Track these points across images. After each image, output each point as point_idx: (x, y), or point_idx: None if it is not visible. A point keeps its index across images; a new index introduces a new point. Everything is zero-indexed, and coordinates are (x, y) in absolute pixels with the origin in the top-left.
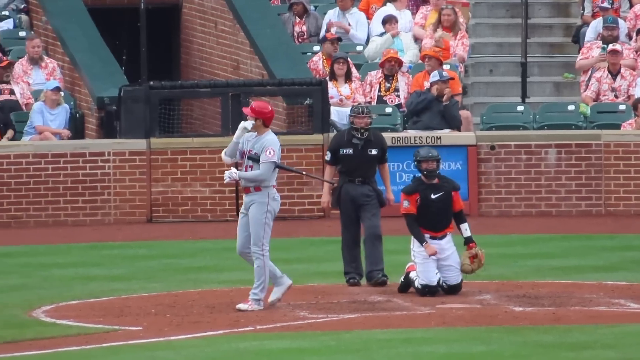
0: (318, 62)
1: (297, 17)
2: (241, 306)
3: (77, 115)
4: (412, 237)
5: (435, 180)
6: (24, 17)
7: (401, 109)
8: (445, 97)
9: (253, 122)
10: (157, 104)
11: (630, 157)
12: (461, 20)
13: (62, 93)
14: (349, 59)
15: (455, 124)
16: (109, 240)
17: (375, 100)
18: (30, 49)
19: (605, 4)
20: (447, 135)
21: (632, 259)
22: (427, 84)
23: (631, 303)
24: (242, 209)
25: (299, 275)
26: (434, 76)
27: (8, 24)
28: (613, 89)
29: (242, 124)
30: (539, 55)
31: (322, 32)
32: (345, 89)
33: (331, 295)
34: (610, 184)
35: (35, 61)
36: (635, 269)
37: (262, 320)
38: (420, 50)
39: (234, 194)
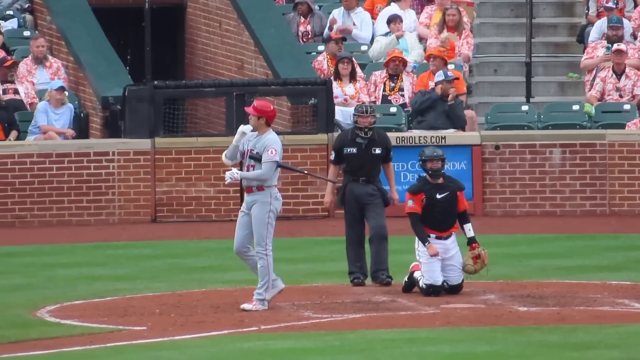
0: (322, 62)
1: (301, 17)
2: (245, 306)
3: (82, 114)
4: (416, 237)
5: (440, 180)
6: (28, 16)
7: (405, 109)
8: (450, 97)
9: (251, 127)
10: (161, 104)
11: (635, 156)
12: (465, 19)
13: (66, 93)
14: (353, 59)
15: (459, 124)
16: (114, 240)
17: (380, 100)
18: (34, 48)
19: (610, 4)
20: (451, 135)
21: (637, 258)
22: (431, 84)
23: (635, 303)
24: (242, 208)
25: (304, 275)
26: (439, 76)
27: (12, 24)
28: (618, 89)
29: (241, 129)
30: (543, 55)
31: (326, 30)
32: (349, 89)
33: (335, 295)
34: (614, 183)
35: (40, 61)
36: None
37: (266, 320)
38: (424, 50)
39: (238, 194)
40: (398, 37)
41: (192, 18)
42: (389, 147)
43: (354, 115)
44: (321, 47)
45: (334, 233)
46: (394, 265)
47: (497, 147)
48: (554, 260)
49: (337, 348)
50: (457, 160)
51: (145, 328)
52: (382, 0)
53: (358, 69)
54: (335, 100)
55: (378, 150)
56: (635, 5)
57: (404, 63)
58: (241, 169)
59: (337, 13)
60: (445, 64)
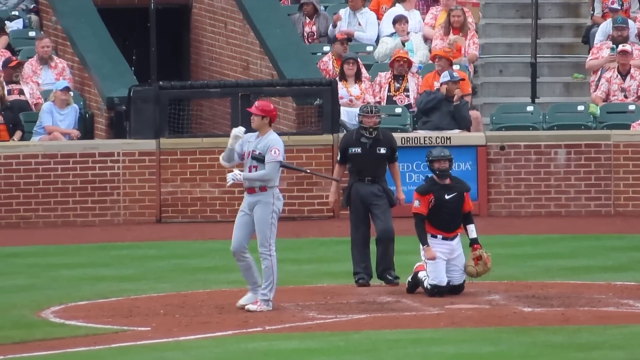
0: (328, 63)
1: (307, 18)
2: (250, 307)
3: (87, 115)
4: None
5: (448, 181)
6: (33, 17)
7: (411, 109)
8: (455, 98)
9: (243, 129)
10: (166, 104)
11: None
12: (470, 20)
13: (71, 93)
14: (358, 60)
15: (465, 125)
16: (118, 240)
17: (385, 101)
18: (39, 48)
19: (615, 5)
20: (456, 136)
21: None
22: (437, 84)
23: None
24: (242, 208)
25: (308, 275)
26: (445, 76)
27: (18, 24)
28: (623, 89)
29: (234, 132)
30: (548, 55)
31: (330, 27)
32: (355, 89)
33: (340, 296)
34: (619, 184)
35: (45, 61)
36: None
37: (271, 321)
38: (430, 50)
39: (243, 195)
40: (403, 42)
41: (198, 19)
42: (394, 146)
43: (359, 115)
44: (326, 48)
45: (339, 234)
46: (398, 266)
47: (502, 148)
48: (558, 261)
49: (342, 348)
50: (462, 160)
51: (149, 329)
52: (388, 0)
53: (363, 70)
54: (341, 101)
55: (383, 150)
56: None
57: (409, 64)
58: (242, 170)
59: (343, 13)
60: (451, 64)
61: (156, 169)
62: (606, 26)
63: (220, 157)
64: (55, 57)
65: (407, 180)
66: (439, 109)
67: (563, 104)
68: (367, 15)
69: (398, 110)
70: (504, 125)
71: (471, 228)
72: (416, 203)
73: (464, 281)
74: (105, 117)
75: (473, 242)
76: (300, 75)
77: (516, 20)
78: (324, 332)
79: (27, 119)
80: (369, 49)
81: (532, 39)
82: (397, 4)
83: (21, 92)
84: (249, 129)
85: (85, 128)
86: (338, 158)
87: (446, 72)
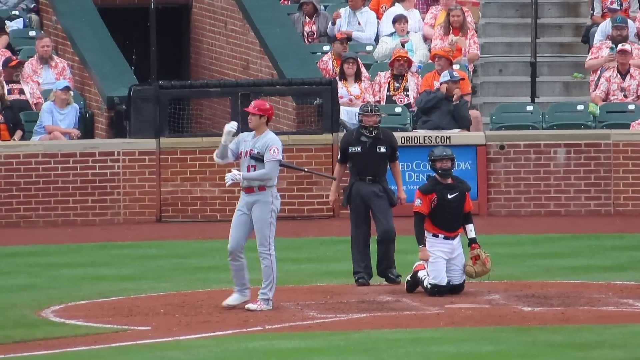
0: (328, 62)
1: (307, 17)
2: (250, 306)
3: (87, 114)
4: (425, 236)
5: (450, 180)
6: (34, 16)
7: (410, 109)
8: (455, 97)
9: (236, 124)
10: (166, 104)
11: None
12: (469, 20)
13: (71, 93)
14: (358, 59)
15: (464, 124)
16: (119, 240)
17: (385, 100)
18: (39, 48)
19: (614, 6)
20: (456, 135)
21: None
22: (436, 84)
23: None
24: (239, 207)
25: (308, 275)
26: (445, 76)
27: (18, 24)
28: (622, 89)
29: (227, 128)
30: (548, 55)
31: (329, 24)
32: (354, 89)
33: (340, 295)
34: (619, 183)
35: (45, 61)
36: None
37: (271, 320)
38: (429, 50)
39: None
40: (403, 43)
41: (198, 18)
42: (394, 145)
43: (359, 114)
44: (326, 47)
45: (338, 233)
46: (398, 265)
47: (502, 147)
48: (558, 260)
49: (342, 348)
50: (462, 160)
51: (150, 328)
52: (387, 0)
53: (363, 69)
54: (341, 100)
55: (383, 149)
56: None
57: (409, 63)
58: (238, 169)
59: (343, 12)
60: (451, 64)
61: (156, 168)
62: (605, 26)
63: (214, 154)
64: (55, 57)
65: (407, 180)
66: (439, 109)
67: (563, 104)
68: (366, 14)
69: (398, 109)
70: (504, 125)
71: (470, 228)
72: (417, 202)
73: (464, 281)
74: (106, 116)
75: (471, 242)
76: (300, 75)
77: (516, 19)
78: (324, 331)
79: (27, 118)
80: (369, 48)
81: (532, 38)
82: (396, 4)
83: (21, 91)
84: (245, 129)
85: (86, 127)
86: (338, 157)
87: (446, 72)
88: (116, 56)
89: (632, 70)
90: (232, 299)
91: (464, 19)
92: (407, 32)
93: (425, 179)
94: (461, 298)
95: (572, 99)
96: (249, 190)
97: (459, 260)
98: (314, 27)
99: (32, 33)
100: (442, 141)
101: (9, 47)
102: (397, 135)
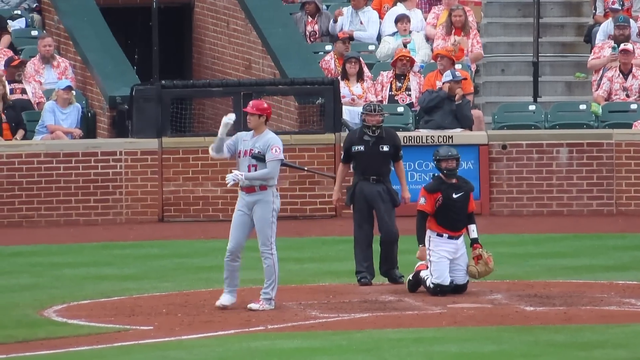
0: (330, 62)
1: (309, 17)
2: (252, 305)
3: (89, 114)
4: (428, 236)
5: (455, 180)
6: (36, 16)
7: (413, 109)
8: (457, 97)
9: (234, 117)
10: (169, 103)
11: None
12: (471, 19)
13: (73, 92)
14: (360, 59)
15: (467, 124)
16: (121, 239)
17: (387, 100)
18: (41, 47)
19: (616, 6)
20: (458, 135)
21: None
22: (439, 84)
23: None
24: (239, 208)
25: (311, 274)
26: (447, 76)
27: (20, 23)
28: (625, 89)
29: (224, 120)
30: (550, 54)
31: (331, 22)
32: (357, 89)
33: (342, 295)
34: (621, 183)
35: (47, 60)
36: None
37: (273, 320)
38: (432, 50)
39: None
40: (405, 43)
41: (200, 18)
42: (397, 144)
43: (362, 113)
44: (328, 47)
45: (341, 232)
46: (401, 265)
47: (504, 147)
48: (560, 260)
49: (344, 347)
50: (464, 159)
51: (152, 328)
52: (389, 0)
53: (365, 69)
54: (343, 100)
55: (386, 148)
56: None
57: (412, 63)
58: (233, 171)
59: (346, 12)
60: (453, 63)
61: (158, 167)
62: (607, 26)
63: (210, 148)
64: (57, 56)
65: (410, 179)
66: (441, 108)
67: (565, 103)
68: (368, 14)
69: (400, 109)
70: (506, 124)
71: (472, 228)
72: (422, 200)
73: (468, 281)
74: (108, 116)
75: (473, 242)
76: (302, 74)
77: (518, 19)
78: (327, 331)
79: (29, 118)
80: (371, 48)
81: (534, 38)
82: (398, 3)
83: (24, 91)
84: (246, 128)
85: (88, 127)
86: (341, 157)
87: (448, 72)
88: (118, 56)
89: (634, 69)
90: (226, 300)
91: (466, 19)
92: (410, 32)
93: (427, 178)
94: (463, 298)
95: (575, 99)
96: (249, 190)
97: (463, 260)
98: (316, 27)
99: (34, 33)
100: (445, 141)
101: (11, 46)
102: (400, 134)
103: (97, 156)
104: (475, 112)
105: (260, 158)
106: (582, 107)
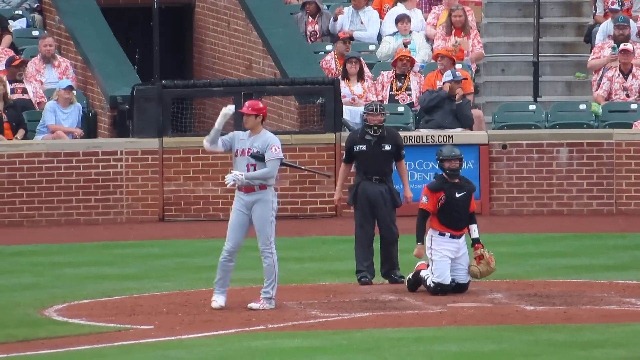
0: (330, 61)
1: (309, 17)
2: (253, 305)
3: (90, 114)
4: (430, 235)
5: (457, 180)
6: (37, 16)
7: (413, 108)
8: (457, 97)
9: (234, 107)
10: (169, 103)
11: None
12: (470, 18)
13: (74, 92)
14: (361, 58)
15: (467, 123)
16: (122, 239)
17: (387, 100)
18: (42, 47)
19: (615, 6)
20: (459, 134)
21: None
22: (439, 83)
23: None
24: (238, 208)
25: (311, 274)
26: (447, 76)
27: (21, 23)
28: (625, 88)
29: (224, 111)
30: (550, 54)
31: (331, 21)
32: (357, 88)
33: (343, 294)
34: (621, 182)
35: (48, 60)
36: None
37: (273, 319)
38: (432, 50)
39: None
40: (405, 43)
41: (201, 18)
42: (399, 143)
43: (364, 113)
44: (329, 47)
45: (341, 232)
46: (401, 264)
47: (504, 147)
48: (560, 260)
49: (344, 347)
50: (464, 159)
51: (152, 327)
52: (389, 0)
53: (366, 69)
54: (343, 100)
55: (387, 147)
56: None
57: (412, 62)
58: (232, 171)
59: (346, 12)
60: (454, 63)
61: (159, 167)
62: (606, 26)
63: (204, 139)
64: (58, 56)
65: (410, 179)
66: (442, 108)
67: (565, 103)
68: (369, 13)
69: (400, 109)
70: (506, 124)
71: (474, 228)
72: (424, 199)
73: (469, 281)
74: (109, 115)
75: (475, 242)
76: (302, 74)
77: (518, 19)
78: (327, 330)
79: (30, 117)
80: (372, 48)
81: (535, 38)
82: (398, 3)
83: (24, 91)
84: (241, 128)
85: (89, 127)
86: (343, 157)
87: (449, 72)
88: (119, 55)
89: (634, 69)
90: (222, 300)
91: (466, 19)
92: (410, 32)
93: (427, 177)
94: (463, 297)
95: (575, 99)
96: (249, 189)
97: (464, 260)
98: (317, 27)
99: (35, 32)
100: (445, 140)
101: (12, 46)
102: (400, 134)
103: (98, 156)
104: (476, 112)
105: (259, 157)
106: (582, 107)
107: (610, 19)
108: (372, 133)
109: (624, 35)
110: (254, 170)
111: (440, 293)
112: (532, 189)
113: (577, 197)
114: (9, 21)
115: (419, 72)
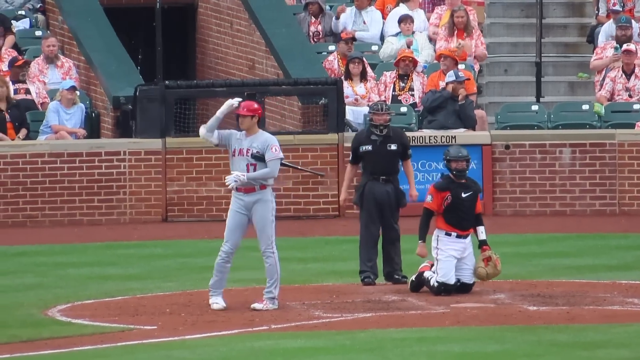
0: (333, 62)
1: (312, 17)
2: (256, 305)
3: (93, 114)
4: (436, 235)
5: (463, 180)
6: (40, 16)
7: (416, 109)
8: (460, 97)
9: (240, 99)
10: (172, 104)
11: None
12: (472, 19)
13: (77, 92)
14: (364, 59)
15: (470, 124)
16: (125, 239)
17: (390, 100)
18: (45, 48)
19: (617, 7)
20: (462, 135)
21: None
22: (442, 84)
23: None
24: (237, 209)
25: (314, 274)
26: (450, 76)
27: (24, 24)
28: (627, 89)
29: (230, 101)
30: (553, 55)
31: (333, 20)
32: (360, 89)
33: (346, 295)
34: (624, 183)
35: (51, 60)
36: None
37: (276, 320)
38: (435, 50)
39: None
40: (408, 43)
41: (203, 18)
42: (405, 143)
43: (369, 113)
44: (332, 47)
45: (344, 232)
46: (405, 264)
47: (507, 147)
48: (563, 260)
49: (348, 347)
50: None
51: (155, 327)
52: (392, 0)
53: (369, 69)
54: (346, 100)
55: (393, 147)
56: None
57: (415, 63)
58: (231, 172)
59: (349, 12)
60: (456, 64)
61: (162, 167)
62: (609, 27)
63: (202, 126)
64: (61, 57)
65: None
66: (445, 108)
67: (568, 103)
68: (372, 13)
69: (403, 109)
70: (509, 125)
71: (481, 229)
72: (429, 198)
73: (474, 282)
74: (112, 116)
75: (482, 244)
76: (305, 75)
77: (521, 19)
78: (330, 330)
79: (33, 118)
80: (374, 48)
81: (537, 38)
82: (400, 4)
83: (27, 91)
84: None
85: (92, 127)
86: (350, 158)
87: (451, 72)
88: (122, 56)
89: (637, 70)
90: (222, 300)
91: (468, 20)
92: (413, 32)
93: (430, 178)
94: (466, 297)
95: (577, 99)
96: (249, 189)
97: (470, 259)
98: (320, 27)
99: (38, 33)
100: (448, 141)
101: (15, 47)
102: None
103: (101, 156)
104: (479, 112)
105: (260, 158)
106: (585, 107)
107: (612, 20)
108: (378, 133)
109: (627, 35)
110: (254, 170)
111: (444, 293)
112: (535, 190)
113: (579, 198)
114: (12, 21)
115: (421, 72)
